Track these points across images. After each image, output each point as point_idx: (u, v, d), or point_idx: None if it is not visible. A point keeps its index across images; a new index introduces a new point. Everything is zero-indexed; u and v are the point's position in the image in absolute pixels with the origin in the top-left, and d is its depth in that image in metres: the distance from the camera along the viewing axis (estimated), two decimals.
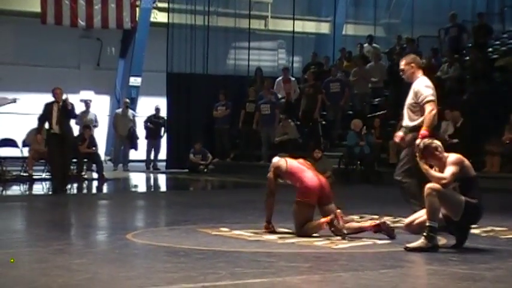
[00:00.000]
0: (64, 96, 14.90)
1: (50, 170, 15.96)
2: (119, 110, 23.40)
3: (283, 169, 8.33)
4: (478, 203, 7.42)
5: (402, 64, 8.93)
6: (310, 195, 8.12)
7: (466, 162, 7.53)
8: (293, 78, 22.44)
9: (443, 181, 7.26)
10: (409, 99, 8.80)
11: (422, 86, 8.70)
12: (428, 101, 8.59)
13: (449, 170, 7.31)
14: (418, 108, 8.68)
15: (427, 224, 7.26)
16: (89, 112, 21.67)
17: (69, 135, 15.31)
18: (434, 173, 7.38)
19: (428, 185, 7.26)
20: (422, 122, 8.58)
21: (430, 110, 8.54)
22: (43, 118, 14.95)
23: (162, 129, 22.87)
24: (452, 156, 7.48)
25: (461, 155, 7.65)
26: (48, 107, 14.87)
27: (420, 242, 7.23)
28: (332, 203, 8.22)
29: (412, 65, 8.88)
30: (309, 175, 8.23)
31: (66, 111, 14.74)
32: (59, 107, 14.69)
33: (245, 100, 21.70)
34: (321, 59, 24.30)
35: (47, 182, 16.40)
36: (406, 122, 8.86)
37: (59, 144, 14.80)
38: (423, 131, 8.48)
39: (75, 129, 20.47)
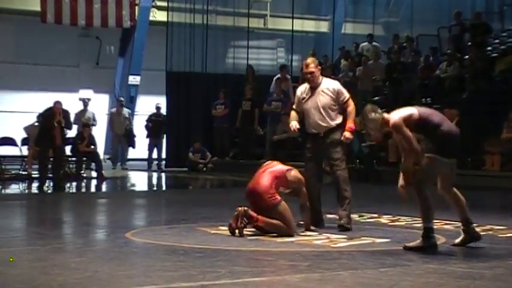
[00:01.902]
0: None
1: (40, 167, 16.22)
2: (114, 109, 23.42)
3: None
4: (447, 134, 7.40)
5: (312, 67, 8.86)
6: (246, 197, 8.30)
7: (414, 112, 7.40)
8: (288, 76, 22.37)
9: (415, 152, 7.32)
10: (326, 101, 8.82)
11: (340, 86, 8.98)
12: (349, 97, 8.91)
13: (408, 137, 7.30)
14: (337, 107, 8.87)
15: (423, 226, 7.28)
16: (86, 111, 21.66)
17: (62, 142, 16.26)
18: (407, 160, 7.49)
19: (414, 187, 7.24)
20: (344, 119, 8.88)
21: (353, 105, 8.90)
22: (46, 132, 15.42)
23: (164, 126, 22.89)
24: (394, 115, 7.41)
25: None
26: (48, 121, 15.30)
27: (418, 241, 7.24)
28: (269, 210, 8.06)
29: (319, 67, 9.00)
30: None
31: (62, 128, 15.69)
32: (57, 121, 15.17)
33: (242, 99, 21.71)
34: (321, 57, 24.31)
35: (46, 181, 16.40)
36: (328, 122, 8.83)
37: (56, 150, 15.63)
38: (351, 125, 8.82)
39: (74, 128, 20.55)
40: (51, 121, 15.40)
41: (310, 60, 9.06)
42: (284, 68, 22.68)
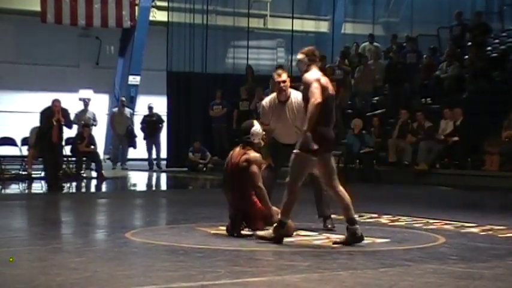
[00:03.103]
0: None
1: (45, 167, 16.24)
2: (116, 109, 23.41)
3: None
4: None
5: (285, 76, 8.53)
6: None
7: (330, 91, 7.52)
8: None
9: (317, 102, 7.31)
10: (296, 115, 8.44)
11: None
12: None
13: (314, 88, 7.35)
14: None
15: (280, 218, 7.51)
16: (87, 111, 21.65)
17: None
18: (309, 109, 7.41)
19: (287, 185, 7.48)
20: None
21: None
22: (45, 130, 15.42)
23: (160, 125, 22.87)
24: (317, 74, 7.52)
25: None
26: (47, 119, 15.28)
27: (270, 232, 7.54)
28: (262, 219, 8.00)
29: (289, 79, 8.60)
30: None
31: (61, 127, 15.58)
32: (56, 120, 15.18)
33: (238, 99, 21.70)
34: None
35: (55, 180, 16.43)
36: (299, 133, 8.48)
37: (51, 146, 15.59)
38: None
39: (74, 128, 20.53)
40: (50, 120, 15.35)
41: (280, 70, 8.69)
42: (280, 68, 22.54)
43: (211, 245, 7.33)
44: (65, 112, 15.70)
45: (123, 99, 23.59)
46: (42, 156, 16.31)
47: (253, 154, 8.08)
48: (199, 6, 23.68)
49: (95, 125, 21.28)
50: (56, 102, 15.61)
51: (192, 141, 21.76)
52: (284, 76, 8.54)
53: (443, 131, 17.46)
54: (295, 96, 8.52)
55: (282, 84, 8.49)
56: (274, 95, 8.69)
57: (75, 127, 20.65)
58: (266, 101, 8.74)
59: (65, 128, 15.92)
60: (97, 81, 26.77)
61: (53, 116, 15.34)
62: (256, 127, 8.21)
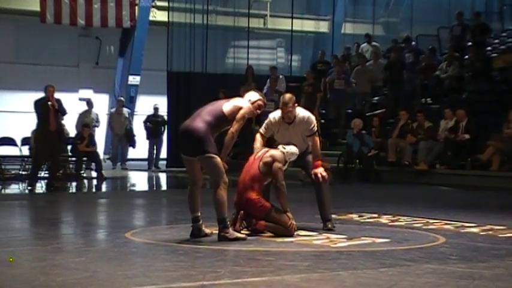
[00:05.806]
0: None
1: (34, 165, 16.13)
2: (114, 109, 23.40)
3: None
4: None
5: (290, 106, 8.52)
6: None
7: None
8: (281, 76, 22.16)
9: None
10: (300, 136, 8.61)
11: (311, 117, 8.71)
12: (316, 132, 8.73)
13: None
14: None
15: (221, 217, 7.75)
16: (91, 111, 21.62)
17: (63, 133, 16.31)
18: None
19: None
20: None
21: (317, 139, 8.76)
22: (42, 117, 15.33)
23: (163, 127, 22.87)
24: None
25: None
26: (43, 106, 15.24)
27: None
28: (263, 219, 8.08)
29: (296, 105, 8.67)
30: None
31: (57, 110, 15.43)
32: (51, 104, 15.17)
33: None
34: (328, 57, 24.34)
35: (45, 181, 16.39)
36: (303, 148, 8.72)
37: (52, 142, 15.46)
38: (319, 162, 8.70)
39: (73, 128, 20.53)
40: (46, 106, 15.30)
41: (287, 98, 8.61)
42: (274, 69, 22.40)
43: (211, 245, 7.33)
44: (58, 100, 15.60)
45: (122, 99, 23.57)
46: (36, 151, 16.21)
47: (278, 152, 8.27)
48: (200, 6, 23.68)
49: (98, 126, 21.27)
50: (49, 87, 15.58)
51: None
52: (289, 108, 8.55)
53: (443, 131, 17.45)
54: (300, 116, 8.64)
55: (288, 114, 8.58)
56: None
57: (74, 127, 20.66)
58: (274, 117, 8.74)
59: (66, 128, 15.93)
60: (97, 81, 26.78)
61: (48, 101, 15.30)
62: (295, 150, 8.39)
